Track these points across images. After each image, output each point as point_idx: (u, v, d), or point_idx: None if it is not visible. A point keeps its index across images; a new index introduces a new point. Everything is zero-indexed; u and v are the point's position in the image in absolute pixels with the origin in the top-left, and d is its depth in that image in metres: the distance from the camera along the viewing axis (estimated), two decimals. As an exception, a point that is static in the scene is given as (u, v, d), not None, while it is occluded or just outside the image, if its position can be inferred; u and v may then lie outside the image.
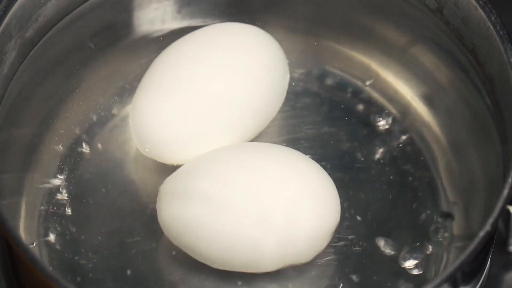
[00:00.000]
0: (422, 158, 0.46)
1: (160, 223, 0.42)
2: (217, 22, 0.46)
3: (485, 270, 0.42)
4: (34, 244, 0.42)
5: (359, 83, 0.48)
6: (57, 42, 0.45)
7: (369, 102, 0.47)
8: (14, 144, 0.43)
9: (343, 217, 0.43)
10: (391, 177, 0.45)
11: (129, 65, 0.47)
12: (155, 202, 0.42)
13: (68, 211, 0.44)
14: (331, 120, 0.47)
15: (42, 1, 0.42)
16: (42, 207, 0.43)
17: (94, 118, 0.46)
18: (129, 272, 0.42)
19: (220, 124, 0.42)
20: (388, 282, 0.42)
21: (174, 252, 0.42)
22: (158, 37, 0.47)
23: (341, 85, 0.48)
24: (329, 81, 0.48)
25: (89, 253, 0.43)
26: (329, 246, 0.42)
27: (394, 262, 0.43)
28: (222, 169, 0.41)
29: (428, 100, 0.47)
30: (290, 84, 0.46)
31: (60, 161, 0.45)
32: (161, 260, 0.43)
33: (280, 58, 0.45)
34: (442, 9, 0.43)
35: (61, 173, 0.44)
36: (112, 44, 0.47)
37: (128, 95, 0.46)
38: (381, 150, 0.46)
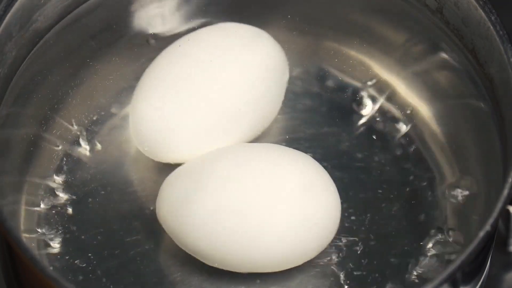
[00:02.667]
0: (422, 158, 0.46)
1: (160, 221, 0.42)
2: (217, 22, 0.46)
3: (485, 270, 0.42)
4: (34, 244, 0.42)
5: (359, 84, 0.48)
6: (57, 42, 0.45)
7: (369, 103, 0.47)
8: (14, 144, 0.43)
9: (343, 217, 0.43)
10: (391, 177, 0.45)
11: (129, 65, 0.47)
12: (155, 202, 0.42)
13: (68, 211, 0.44)
14: (331, 120, 0.47)
15: (42, 1, 0.42)
16: (42, 207, 0.43)
17: (94, 118, 0.46)
18: (129, 272, 0.42)
19: (220, 125, 0.42)
20: (388, 282, 0.42)
21: (174, 253, 0.42)
22: (158, 37, 0.47)
23: (341, 86, 0.48)
24: (329, 82, 0.48)
25: (89, 253, 0.43)
26: (329, 246, 0.42)
27: (395, 262, 0.43)
28: (223, 169, 0.41)
29: (428, 100, 0.47)
30: (290, 85, 0.46)
31: (60, 161, 0.45)
32: (161, 260, 0.43)
33: (280, 59, 0.45)
34: (442, 9, 0.43)
35: (61, 173, 0.44)
36: (112, 44, 0.47)
37: (127, 95, 0.46)
38: (381, 150, 0.46)
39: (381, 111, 0.47)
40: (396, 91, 0.47)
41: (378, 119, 0.47)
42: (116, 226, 0.43)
